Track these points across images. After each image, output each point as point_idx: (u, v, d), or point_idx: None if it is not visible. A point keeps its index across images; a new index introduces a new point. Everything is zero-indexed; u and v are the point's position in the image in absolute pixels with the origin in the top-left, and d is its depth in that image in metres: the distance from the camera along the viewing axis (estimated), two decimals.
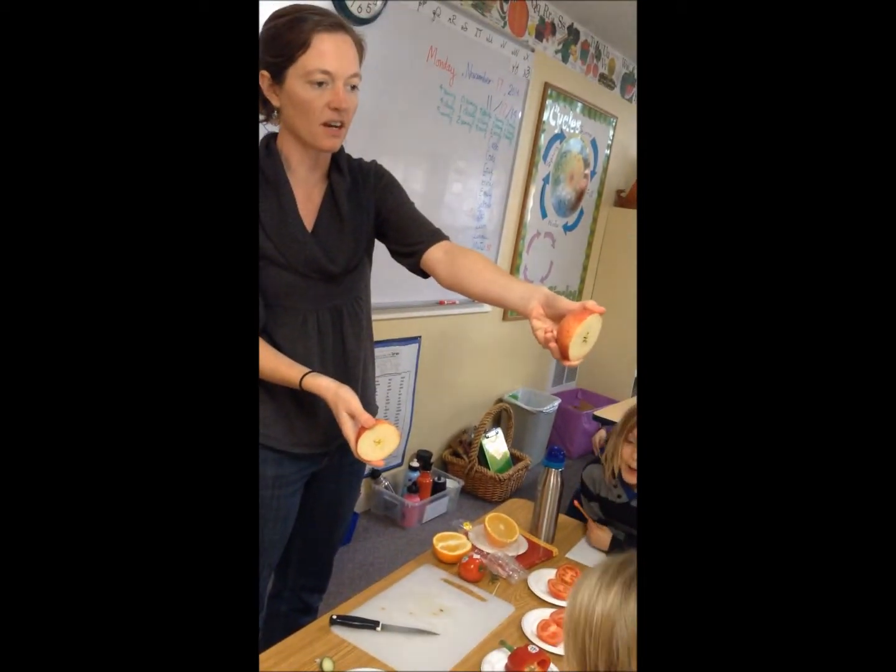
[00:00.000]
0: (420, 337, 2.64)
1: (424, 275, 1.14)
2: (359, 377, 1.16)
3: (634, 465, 1.35)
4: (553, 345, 0.87)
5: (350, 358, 1.14)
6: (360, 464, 1.27)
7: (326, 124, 0.99)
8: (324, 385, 1.00)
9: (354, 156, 1.16)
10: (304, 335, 1.07)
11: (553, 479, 1.37)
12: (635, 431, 1.36)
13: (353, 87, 1.00)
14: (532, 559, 1.30)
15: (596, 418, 2.48)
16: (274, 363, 1.02)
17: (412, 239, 1.12)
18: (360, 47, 1.01)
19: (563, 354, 0.86)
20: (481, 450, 2.89)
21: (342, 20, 1.00)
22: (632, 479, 1.36)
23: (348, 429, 0.99)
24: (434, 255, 1.10)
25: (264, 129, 1.07)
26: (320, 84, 0.96)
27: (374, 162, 1.17)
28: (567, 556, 1.35)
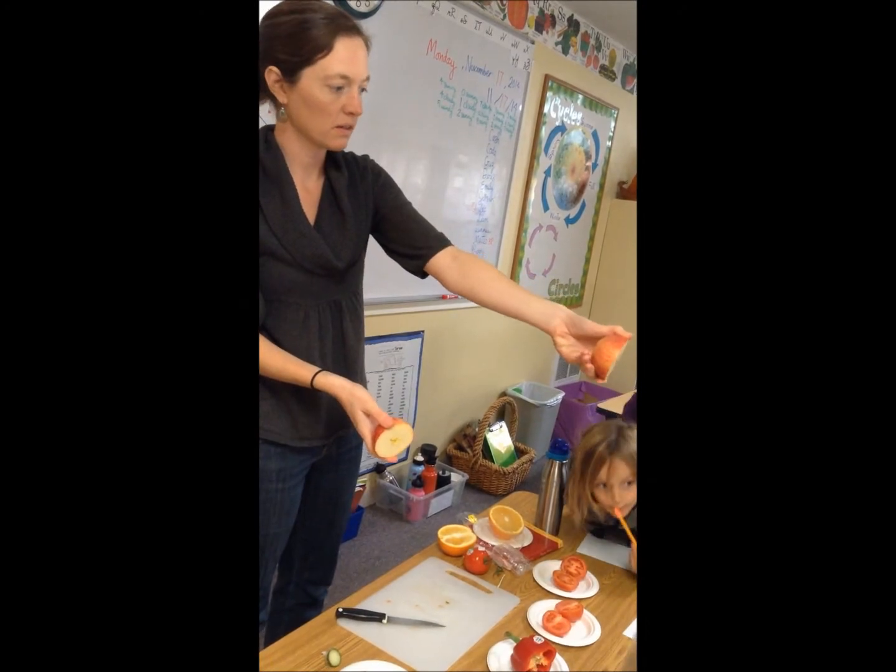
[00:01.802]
0: (423, 331, 2.64)
1: (423, 275, 1.15)
2: (357, 372, 1.17)
3: (619, 504, 1.24)
4: (590, 365, 0.99)
5: (350, 353, 1.14)
6: (358, 452, 1.28)
7: (339, 126, 1.00)
8: (338, 384, 1.01)
9: (357, 151, 1.17)
10: (306, 331, 1.07)
11: (557, 471, 1.37)
12: (601, 473, 1.24)
13: (363, 90, 1.01)
14: (537, 551, 1.30)
15: (600, 411, 2.48)
16: (282, 362, 1.02)
17: (418, 242, 1.13)
18: (368, 49, 1.02)
19: (601, 375, 1.00)
20: (485, 443, 2.89)
21: (356, 22, 0.99)
22: (620, 514, 1.25)
23: (365, 428, 0.99)
24: (442, 261, 1.12)
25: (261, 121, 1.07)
26: (338, 88, 0.97)
27: (366, 157, 1.18)
28: (578, 551, 1.36)
